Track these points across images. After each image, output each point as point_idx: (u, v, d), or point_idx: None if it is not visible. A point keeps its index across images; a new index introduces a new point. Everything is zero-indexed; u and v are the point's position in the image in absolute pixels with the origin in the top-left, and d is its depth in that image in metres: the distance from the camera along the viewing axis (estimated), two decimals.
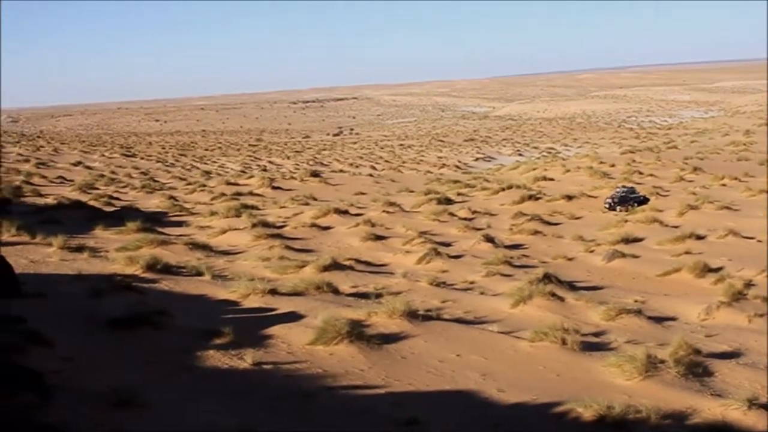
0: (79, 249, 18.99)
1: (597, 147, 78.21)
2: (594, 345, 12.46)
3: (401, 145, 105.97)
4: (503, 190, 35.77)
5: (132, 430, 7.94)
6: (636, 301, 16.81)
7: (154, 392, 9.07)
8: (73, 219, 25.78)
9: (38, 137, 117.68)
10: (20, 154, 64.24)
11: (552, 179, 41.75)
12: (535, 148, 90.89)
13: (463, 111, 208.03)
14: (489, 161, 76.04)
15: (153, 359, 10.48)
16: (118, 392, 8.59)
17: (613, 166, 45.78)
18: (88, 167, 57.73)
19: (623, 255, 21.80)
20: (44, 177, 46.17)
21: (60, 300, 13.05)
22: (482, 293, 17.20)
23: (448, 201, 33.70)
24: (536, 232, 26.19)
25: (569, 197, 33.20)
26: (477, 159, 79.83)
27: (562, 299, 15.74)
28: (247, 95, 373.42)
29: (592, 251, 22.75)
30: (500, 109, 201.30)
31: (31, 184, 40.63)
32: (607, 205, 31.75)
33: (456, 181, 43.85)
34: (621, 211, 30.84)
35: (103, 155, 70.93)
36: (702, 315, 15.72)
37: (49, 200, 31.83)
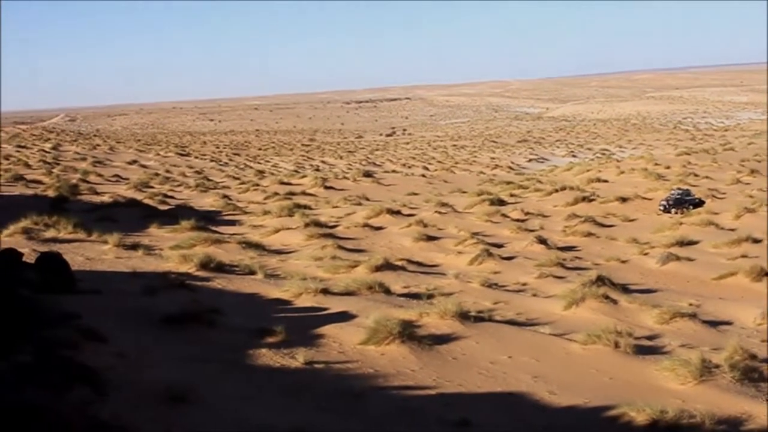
0: (134, 247, 19.20)
1: (652, 148, 77.50)
2: (647, 348, 12.33)
3: (454, 145, 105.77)
4: (556, 191, 35.58)
5: (185, 427, 8.00)
6: (690, 304, 16.61)
7: (207, 389, 9.12)
8: (128, 217, 26.06)
9: (95, 136, 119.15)
10: (77, 153, 65.11)
11: (606, 181, 41.44)
12: (589, 149, 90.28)
13: (516, 112, 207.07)
14: (542, 162, 75.65)
15: (206, 356, 10.54)
16: (171, 389, 8.65)
17: (668, 168, 45.34)
18: (143, 166, 58.35)
19: (678, 258, 21.54)
20: (100, 175, 46.74)
21: (115, 297, 13.19)
22: (534, 295, 17.12)
23: (501, 202, 33.59)
24: (589, 234, 26.00)
25: (623, 199, 32.92)
26: (530, 160, 79.46)
27: (615, 302, 15.60)
28: (300, 95, 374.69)
29: (646, 254, 22.52)
30: (554, 110, 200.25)
31: (88, 182, 41.16)
32: (661, 208, 31.43)
33: (509, 182, 43.68)
34: (676, 213, 30.52)
35: (158, 154, 71.62)
36: (758, 319, 15.48)
37: (105, 198, 32.23)
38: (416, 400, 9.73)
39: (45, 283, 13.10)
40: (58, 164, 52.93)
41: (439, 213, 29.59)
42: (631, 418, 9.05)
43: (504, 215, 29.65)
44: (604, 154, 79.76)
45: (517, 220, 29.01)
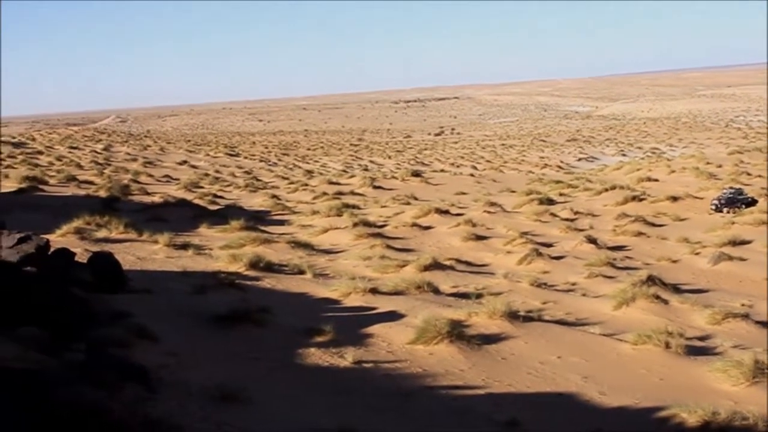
0: (184, 246, 19.37)
1: (703, 147, 76.71)
2: (699, 349, 12.23)
3: (503, 144, 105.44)
4: (606, 190, 35.30)
5: (235, 426, 8.06)
6: (743, 305, 16.41)
7: (256, 388, 9.18)
8: (178, 217, 26.29)
9: (145, 137, 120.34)
10: (128, 153, 65.83)
11: (656, 180, 41.03)
12: (639, 148, 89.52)
13: (565, 110, 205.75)
14: (592, 161, 75.17)
15: (255, 355, 10.62)
16: (221, 388, 8.72)
17: (719, 166, 44.79)
18: (194, 166, 58.81)
19: (730, 258, 21.27)
20: (151, 176, 47.19)
21: (165, 296, 13.32)
22: (584, 295, 17.02)
23: (550, 201, 33.41)
24: (640, 234, 25.76)
25: (674, 198, 32.57)
26: (579, 159, 79.01)
27: (666, 302, 15.47)
28: (349, 95, 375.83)
29: (697, 253, 22.27)
30: (604, 108, 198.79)
31: (139, 182, 41.57)
32: (713, 207, 31.05)
33: (558, 182, 43.43)
34: (728, 212, 30.13)
35: (208, 154, 72.15)
36: None
37: (156, 198, 32.51)
38: (465, 399, 9.73)
39: (97, 283, 13.26)
40: (109, 165, 53.52)
41: (488, 212, 29.50)
42: (683, 420, 8.97)
43: (553, 214, 29.49)
44: (654, 152, 79.00)
45: (567, 220, 28.82)
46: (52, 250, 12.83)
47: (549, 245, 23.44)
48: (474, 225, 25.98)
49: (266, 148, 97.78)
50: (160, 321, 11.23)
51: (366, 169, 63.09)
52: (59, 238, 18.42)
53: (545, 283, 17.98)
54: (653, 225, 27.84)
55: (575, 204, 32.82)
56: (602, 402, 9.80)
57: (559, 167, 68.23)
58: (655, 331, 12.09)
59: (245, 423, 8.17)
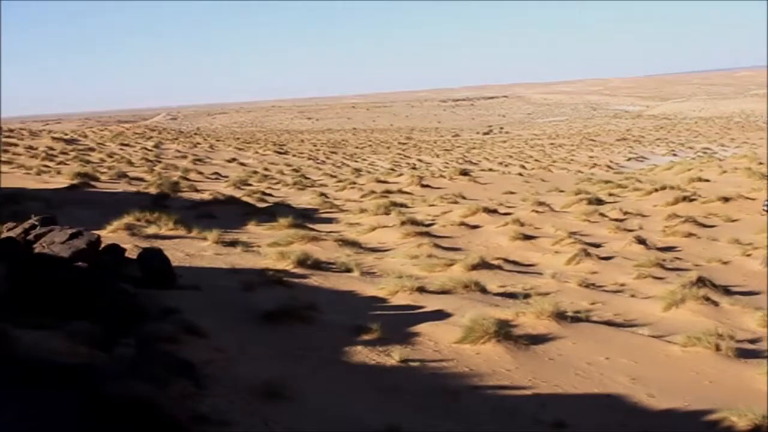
0: (233, 243, 19.50)
1: (755, 147, 75.66)
2: (750, 352, 12.08)
3: (551, 144, 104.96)
4: (656, 190, 34.94)
5: (281, 422, 8.10)
6: None
7: (303, 385, 9.23)
8: (227, 214, 26.45)
9: (195, 134, 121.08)
10: (178, 151, 66.30)
11: (708, 180, 40.53)
12: (690, 148, 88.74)
13: (615, 110, 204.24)
14: (642, 161, 74.61)
15: (302, 353, 10.66)
16: (268, 384, 8.77)
17: None
18: (242, 164, 59.11)
19: None
20: (200, 173, 47.50)
21: (214, 292, 13.42)
22: (633, 296, 16.89)
23: (599, 201, 33.14)
24: (690, 235, 25.49)
25: (726, 199, 32.15)
26: (629, 159, 78.46)
27: (716, 304, 15.31)
28: (397, 93, 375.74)
29: (748, 255, 21.98)
30: (654, 107, 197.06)
31: (188, 179, 41.85)
32: (765, 208, 30.64)
33: (607, 181, 43.07)
34: None
35: (257, 152, 72.50)
36: None
37: (205, 195, 32.72)
38: (512, 399, 9.70)
39: (146, 279, 13.40)
40: (159, 162, 53.96)
41: (536, 212, 29.34)
42: (732, 423, 8.87)
43: (602, 215, 29.25)
44: (705, 152, 78.25)
45: (616, 220, 28.57)
46: (102, 245, 12.99)
47: (598, 245, 23.27)
48: (522, 224, 25.87)
49: (315, 146, 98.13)
50: (208, 317, 11.32)
51: (414, 168, 63.05)
52: (110, 234, 18.63)
53: (593, 284, 17.87)
54: (704, 226, 27.52)
55: (625, 204, 32.52)
56: (650, 404, 9.72)
57: (609, 167, 67.79)
58: (705, 333, 11.97)
59: (291, 419, 8.22)
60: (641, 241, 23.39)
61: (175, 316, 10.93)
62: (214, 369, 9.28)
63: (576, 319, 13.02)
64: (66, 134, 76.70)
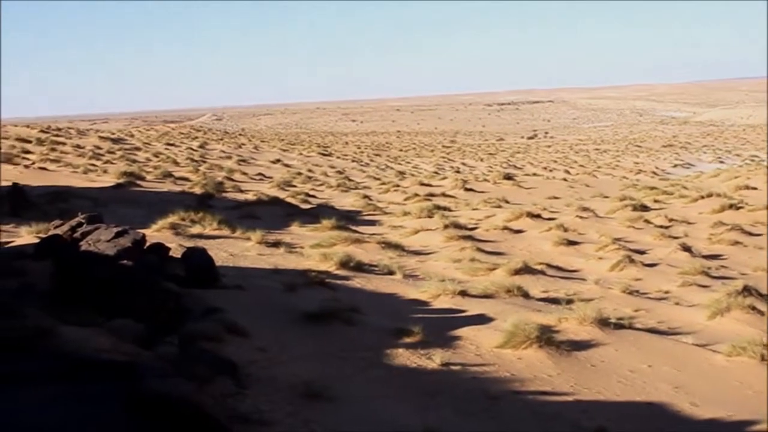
0: (276, 244, 19.59)
1: None
2: None
3: (596, 149, 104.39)
4: (702, 198, 34.60)
5: (322, 423, 8.12)
6: None
7: (344, 386, 9.24)
8: (270, 215, 26.60)
9: (240, 135, 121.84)
10: (223, 151, 66.71)
11: (755, 188, 40.09)
12: (738, 155, 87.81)
13: (662, 116, 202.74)
14: (688, 168, 73.95)
15: (344, 354, 10.67)
16: (309, 385, 8.80)
17: None
18: (287, 165, 59.34)
19: None
20: (245, 173, 47.76)
21: (256, 293, 13.46)
22: (677, 303, 16.74)
23: (644, 208, 32.89)
24: (736, 243, 25.20)
25: None
26: (675, 165, 77.78)
27: (762, 313, 15.10)
28: (442, 97, 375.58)
29: None
30: (701, 114, 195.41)
31: (233, 180, 42.11)
32: None
33: (652, 188, 42.76)
34: None
35: (301, 153, 72.77)
36: None
37: (249, 196, 32.89)
38: (553, 405, 9.65)
39: (190, 278, 13.49)
40: (204, 162, 54.30)
41: (580, 217, 29.21)
42: None
43: (647, 221, 29.03)
44: (753, 160, 77.24)
45: (661, 227, 28.33)
46: (147, 244, 13.09)
47: (642, 252, 23.10)
48: (566, 230, 25.75)
49: (359, 148, 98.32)
50: (250, 317, 11.36)
51: (458, 171, 62.94)
52: (155, 233, 18.79)
53: (637, 291, 17.74)
54: (750, 234, 27.20)
55: (670, 211, 32.25)
56: (693, 413, 9.62)
57: (654, 173, 67.27)
58: (750, 342, 11.82)
59: (332, 421, 8.23)
60: (686, 249, 23.19)
61: (218, 316, 10.99)
62: (256, 369, 9.33)
63: (619, 325, 12.91)
64: (113, 133, 77.50)
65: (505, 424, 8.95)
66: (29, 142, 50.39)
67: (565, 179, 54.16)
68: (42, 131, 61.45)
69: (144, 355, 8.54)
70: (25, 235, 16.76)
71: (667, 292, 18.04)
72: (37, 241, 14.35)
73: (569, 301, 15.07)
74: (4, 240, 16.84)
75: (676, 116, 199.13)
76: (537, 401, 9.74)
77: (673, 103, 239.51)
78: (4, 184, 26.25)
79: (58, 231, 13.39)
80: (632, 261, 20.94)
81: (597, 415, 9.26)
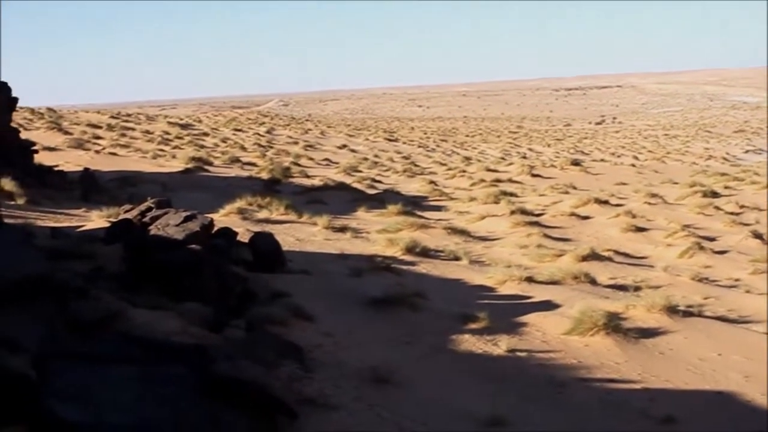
0: (342, 229, 19.67)
1: None
2: None
3: (666, 135, 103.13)
4: None
5: (387, 408, 8.14)
6: None
7: (409, 372, 9.26)
8: (337, 200, 26.72)
9: (306, 120, 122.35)
10: (290, 137, 67.09)
11: None
12: None
13: (733, 101, 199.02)
14: (760, 154, 72.63)
15: (409, 339, 10.69)
16: (375, 370, 8.84)
17: None
18: (353, 150, 59.52)
19: None
20: (311, 159, 48.04)
21: (323, 277, 13.54)
22: (748, 291, 16.47)
23: (714, 194, 32.42)
24: None
25: None
26: (747, 151, 76.52)
27: None
28: (508, 82, 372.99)
29: None
30: None
31: (299, 165, 42.37)
32: None
33: (723, 174, 42.14)
34: None
35: (367, 139, 72.95)
36: None
37: (315, 181, 33.10)
38: (620, 393, 9.57)
39: (257, 262, 13.60)
40: (271, 147, 54.67)
41: (649, 204, 28.88)
42: None
43: (717, 208, 28.60)
44: None
45: (732, 213, 27.89)
46: (215, 229, 13.22)
47: (712, 239, 22.77)
48: (634, 216, 25.47)
49: (425, 133, 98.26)
50: (316, 302, 11.44)
51: (524, 157, 62.58)
52: (222, 217, 18.98)
53: (707, 278, 17.50)
54: None
55: (741, 197, 31.72)
56: (764, 403, 9.48)
57: (725, 159, 66.26)
58: None
59: (397, 405, 8.26)
60: (758, 236, 22.79)
61: (285, 300, 11.08)
62: (321, 353, 9.39)
63: (688, 313, 12.76)
64: (181, 119, 78.35)
65: (571, 411, 8.90)
66: (100, 127, 51.24)
67: (633, 165, 53.59)
68: (112, 117, 62.45)
69: (212, 338, 8.63)
70: (95, 219, 17.07)
71: (737, 280, 17.77)
72: (107, 225, 14.58)
73: (637, 288, 14.95)
74: (75, 224, 17.15)
75: (748, 101, 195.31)
76: (604, 389, 9.67)
77: (745, 88, 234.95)
78: (75, 169, 26.73)
79: (128, 215, 13.58)
80: (702, 248, 20.65)
81: (665, 404, 9.17)
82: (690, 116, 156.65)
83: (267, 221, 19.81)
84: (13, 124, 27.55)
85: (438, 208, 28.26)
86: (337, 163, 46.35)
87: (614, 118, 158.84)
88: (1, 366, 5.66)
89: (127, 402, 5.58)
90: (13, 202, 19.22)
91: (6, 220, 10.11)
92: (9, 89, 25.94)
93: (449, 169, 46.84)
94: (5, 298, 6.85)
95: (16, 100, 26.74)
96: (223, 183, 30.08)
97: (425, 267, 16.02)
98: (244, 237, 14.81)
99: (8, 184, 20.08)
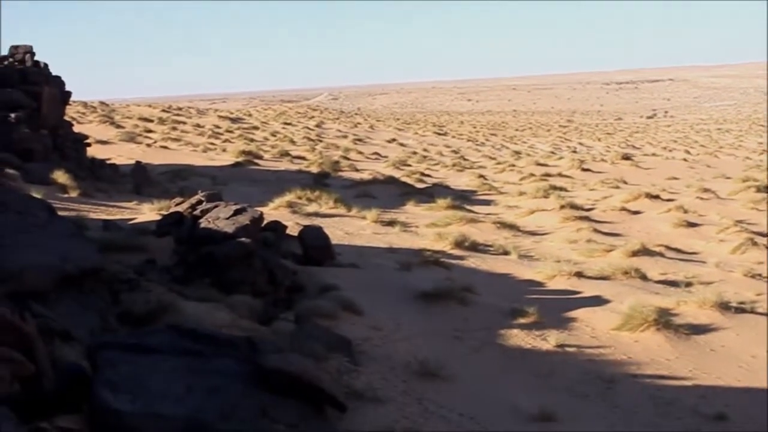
0: (391, 223, 19.69)
1: None
2: None
3: (718, 129, 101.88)
4: None
5: (435, 402, 8.15)
6: None
7: (458, 366, 9.26)
8: (386, 194, 26.75)
9: (356, 114, 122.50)
10: (339, 131, 67.20)
11: None
12: None
13: None
14: None
15: (458, 334, 10.69)
16: (423, 363, 8.84)
17: None
18: (402, 144, 59.47)
19: None
20: (360, 153, 48.06)
21: (371, 271, 13.57)
22: None
23: None
24: None
25: None
26: None
27: None
28: (558, 76, 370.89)
29: None
30: None
31: (348, 159, 42.43)
32: None
33: None
34: None
35: (416, 133, 72.84)
36: None
37: (365, 175, 33.12)
38: (670, 390, 9.49)
39: (306, 255, 13.67)
40: (320, 141, 54.83)
41: (701, 199, 28.55)
42: None
43: None
44: None
45: None
46: (265, 222, 13.30)
47: (765, 235, 22.46)
48: (686, 211, 25.20)
49: (474, 127, 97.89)
50: (365, 295, 11.46)
51: (575, 152, 62.18)
52: (272, 210, 19.08)
53: (760, 274, 17.26)
54: None
55: None
56: None
57: None
58: None
59: (445, 399, 8.26)
60: None
61: (333, 293, 11.11)
62: (370, 346, 9.41)
63: (740, 310, 12.60)
64: (231, 113, 78.78)
65: (621, 407, 8.86)
66: (151, 121, 51.74)
67: (685, 159, 52.99)
68: (163, 111, 62.98)
69: (261, 330, 8.69)
70: (147, 212, 17.24)
71: None
72: (158, 218, 14.72)
73: (688, 284, 14.80)
74: (127, 216, 17.34)
75: None
76: (654, 385, 9.60)
77: None
78: (127, 162, 27.00)
79: (179, 208, 13.69)
80: (755, 244, 20.37)
81: (716, 401, 9.09)
82: (743, 110, 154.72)
83: (316, 215, 19.88)
84: (66, 118, 27.92)
85: (487, 203, 28.17)
86: (386, 157, 46.36)
87: (666, 112, 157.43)
88: (56, 356, 5.75)
89: (178, 393, 5.64)
90: (66, 195, 19.48)
91: (59, 213, 10.24)
92: (63, 83, 26.31)
93: (498, 163, 46.67)
94: (58, 289, 6.96)
95: (69, 93, 27.11)
96: (272, 177, 30.24)
97: (474, 261, 15.99)
98: (293, 230, 14.88)
99: (62, 176, 20.34)
